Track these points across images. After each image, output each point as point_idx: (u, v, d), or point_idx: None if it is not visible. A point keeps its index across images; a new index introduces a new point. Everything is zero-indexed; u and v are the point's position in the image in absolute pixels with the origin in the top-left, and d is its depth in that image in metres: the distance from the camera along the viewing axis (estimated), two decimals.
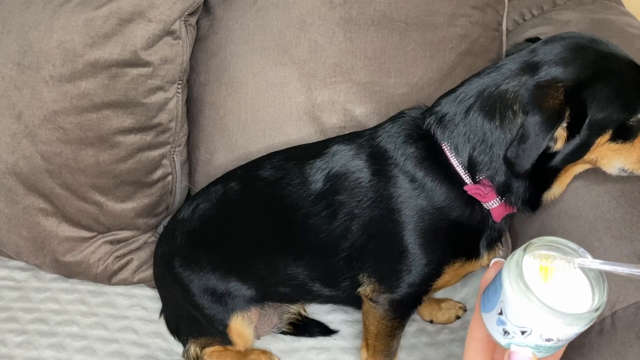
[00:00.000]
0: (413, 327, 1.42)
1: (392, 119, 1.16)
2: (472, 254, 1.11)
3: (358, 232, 1.13)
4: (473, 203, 1.07)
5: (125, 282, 1.53)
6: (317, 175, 1.16)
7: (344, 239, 1.14)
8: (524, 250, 0.64)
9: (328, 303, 1.42)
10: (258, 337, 1.41)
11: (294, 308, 1.41)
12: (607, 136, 0.98)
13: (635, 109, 0.97)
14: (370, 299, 1.17)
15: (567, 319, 0.60)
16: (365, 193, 1.12)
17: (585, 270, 0.65)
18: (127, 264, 1.51)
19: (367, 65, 1.40)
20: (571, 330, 0.61)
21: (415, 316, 1.45)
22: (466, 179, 1.05)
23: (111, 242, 1.50)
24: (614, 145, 0.99)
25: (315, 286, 1.24)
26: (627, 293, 1.04)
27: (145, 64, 1.33)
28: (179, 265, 1.33)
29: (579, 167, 1.07)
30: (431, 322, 1.44)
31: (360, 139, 1.16)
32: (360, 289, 1.18)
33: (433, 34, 1.40)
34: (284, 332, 1.43)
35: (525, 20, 1.61)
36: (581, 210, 1.17)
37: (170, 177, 1.49)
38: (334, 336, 1.42)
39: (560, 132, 0.95)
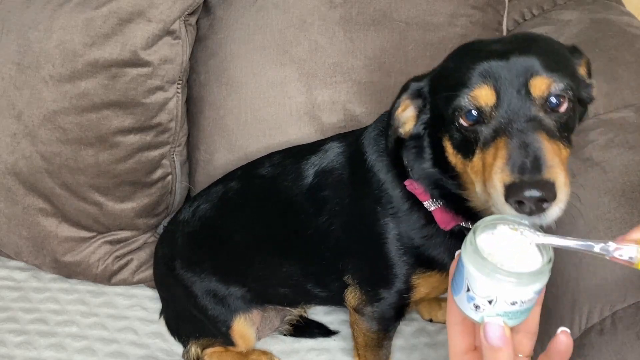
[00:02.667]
0: (413, 327, 1.42)
1: (381, 116, 1.13)
2: (442, 266, 1.05)
3: (339, 230, 1.13)
4: (420, 204, 1.02)
5: (125, 282, 1.53)
6: (310, 170, 1.16)
7: (328, 236, 1.14)
8: (474, 232, 0.69)
9: (327, 304, 1.42)
10: (259, 338, 1.40)
11: (295, 311, 1.41)
12: (448, 140, 0.89)
13: (453, 96, 0.84)
14: (356, 310, 1.17)
15: (523, 278, 0.64)
16: (344, 190, 1.11)
17: (528, 236, 0.69)
18: (126, 264, 1.51)
19: (367, 65, 1.40)
20: (530, 290, 0.65)
21: (415, 316, 1.45)
22: (411, 174, 1.01)
23: (111, 242, 1.50)
24: (465, 161, 0.88)
25: (310, 286, 1.24)
26: (627, 293, 1.04)
27: (145, 63, 1.33)
28: (180, 267, 1.33)
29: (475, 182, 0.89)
30: (430, 320, 1.44)
31: (351, 136, 1.16)
32: (345, 294, 1.18)
33: (433, 33, 1.40)
34: (284, 334, 1.43)
35: (525, 20, 1.61)
36: (581, 210, 1.17)
37: (170, 177, 1.49)
38: (334, 337, 1.42)
39: (409, 114, 0.96)
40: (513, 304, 0.66)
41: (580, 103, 0.92)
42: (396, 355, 1.32)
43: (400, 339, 1.37)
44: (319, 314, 1.47)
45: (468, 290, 0.68)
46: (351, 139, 1.15)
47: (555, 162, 0.76)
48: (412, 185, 1.00)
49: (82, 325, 1.43)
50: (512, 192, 0.73)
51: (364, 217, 1.08)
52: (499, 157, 0.78)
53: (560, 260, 1.21)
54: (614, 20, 1.46)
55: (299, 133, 1.41)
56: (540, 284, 0.66)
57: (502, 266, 0.66)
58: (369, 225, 1.08)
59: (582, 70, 0.93)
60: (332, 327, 1.44)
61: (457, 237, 1.02)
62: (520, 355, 0.73)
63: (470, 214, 0.97)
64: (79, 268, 1.50)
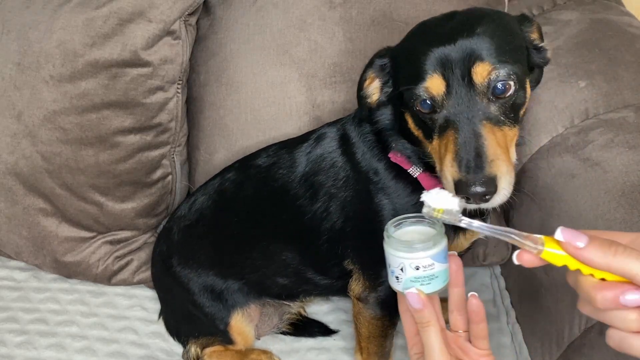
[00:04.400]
0: None
1: None
2: None
3: (336, 213, 1.14)
4: (405, 173, 1.05)
5: (125, 283, 1.53)
6: (302, 158, 1.18)
7: (325, 220, 1.15)
8: (387, 229, 0.88)
9: (327, 294, 1.42)
10: (258, 337, 1.41)
11: (294, 307, 1.41)
12: (409, 116, 0.96)
13: (410, 84, 0.91)
14: (359, 299, 1.18)
15: (414, 244, 0.84)
16: (338, 173, 1.14)
17: (428, 222, 0.88)
18: (127, 264, 1.51)
19: None
20: (425, 255, 0.84)
21: None
22: (394, 145, 1.05)
23: (111, 243, 1.50)
24: (426, 140, 0.95)
25: (310, 273, 1.25)
26: None
27: (145, 64, 1.33)
28: (177, 264, 1.33)
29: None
30: None
31: (339, 123, 1.18)
32: (350, 283, 1.19)
33: None
34: (284, 333, 1.43)
35: None
36: (581, 210, 1.17)
37: (170, 177, 1.49)
38: (333, 336, 1.42)
39: (375, 85, 1.02)
40: (417, 268, 0.84)
41: (537, 67, 0.99)
42: (396, 355, 1.32)
43: (401, 338, 1.37)
44: (318, 313, 1.47)
45: (390, 266, 0.87)
46: (339, 125, 1.18)
47: (497, 154, 0.85)
48: (395, 156, 1.05)
49: (82, 325, 1.43)
50: (459, 189, 0.84)
51: (359, 197, 1.11)
52: (448, 151, 0.87)
53: None
54: (614, 20, 1.46)
55: (299, 133, 1.41)
56: (432, 251, 0.84)
57: (401, 239, 0.86)
58: (364, 204, 1.10)
59: (534, 35, 0.98)
60: (332, 326, 1.44)
61: None
62: (460, 331, 0.91)
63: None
64: (79, 268, 1.50)
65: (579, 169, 1.23)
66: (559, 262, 0.70)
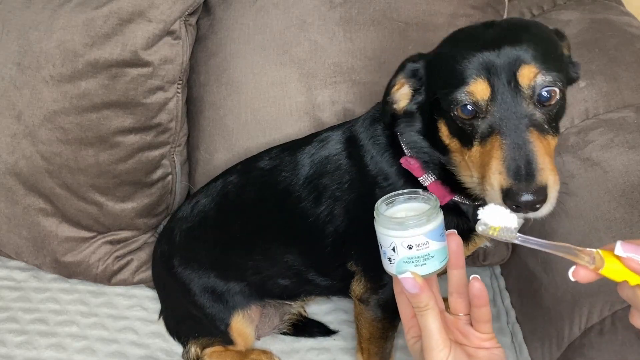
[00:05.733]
0: None
1: (375, 105, 1.15)
2: None
3: (341, 216, 1.14)
4: (414, 180, 1.04)
5: (125, 283, 1.53)
6: (305, 160, 1.18)
7: (329, 223, 1.15)
8: (378, 206, 0.85)
9: (327, 294, 1.42)
10: (259, 337, 1.41)
11: (294, 307, 1.41)
12: (444, 124, 0.93)
13: (450, 89, 0.87)
14: (361, 301, 1.18)
15: (407, 220, 0.79)
16: (343, 175, 1.13)
17: (422, 198, 0.84)
18: (127, 264, 1.51)
19: (367, 65, 1.40)
20: (418, 232, 0.79)
21: None
22: (407, 152, 1.04)
23: (111, 242, 1.50)
24: (462, 149, 0.92)
25: (311, 274, 1.25)
26: None
27: (145, 64, 1.33)
28: (178, 265, 1.33)
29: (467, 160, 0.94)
30: None
31: (345, 125, 1.18)
32: (352, 284, 1.18)
33: (433, 34, 1.39)
34: (284, 333, 1.43)
35: None
36: (581, 210, 1.17)
37: (170, 177, 1.49)
38: (333, 336, 1.42)
39: (404, 91, 0.99)
40: (410, 247, 0.79)
41: (569, 82, 0.96)
42: (397, 356, 1.32)
43: (401, 338, 1.37)
44: (319, 313, 1.47)
45: (381, 247, 0.83)
46: (345, 128, 1.17)
47: (545, 163, 0.82)
48: (407, 162, 1.03)
49: (82, 325, 1.44)
50: (509, 197, 0.80)
51: (364, 200, 1.09)
52: (495, 158, 0.83)
53: (560, 260, 1.21)
54: (614, 20, 1.46)
55: (299, 133, 1.41)
56: (426, 228, 0.79)
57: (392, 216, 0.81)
58: (369, 207, 1.08)
59: (566, 51, 0.97)
60: (332, 326, 1.44)
61: (453, 212, 1.04)
62: (460, 315, 0.87)
63: (462, 188, 0.99)
64: (79, 268, 1.50)
65: (579, 169, 1.23)
66: (619, 278, 0.67)
